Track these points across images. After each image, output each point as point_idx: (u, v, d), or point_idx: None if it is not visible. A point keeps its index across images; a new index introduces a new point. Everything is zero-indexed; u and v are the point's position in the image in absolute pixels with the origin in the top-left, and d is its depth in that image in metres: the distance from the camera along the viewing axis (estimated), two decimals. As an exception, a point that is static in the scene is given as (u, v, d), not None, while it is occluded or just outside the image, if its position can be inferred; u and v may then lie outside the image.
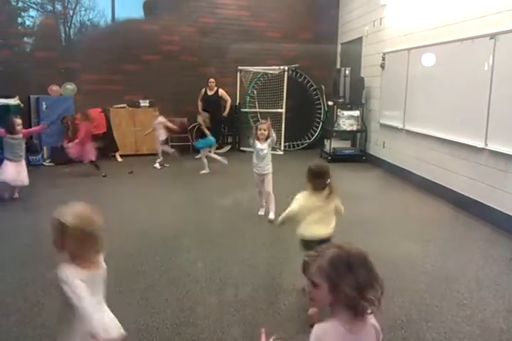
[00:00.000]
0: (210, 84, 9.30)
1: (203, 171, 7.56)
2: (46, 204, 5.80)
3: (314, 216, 3.15)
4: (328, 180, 3.24)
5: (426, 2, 6.72)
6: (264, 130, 5.08)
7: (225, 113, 9.57)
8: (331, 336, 1.49)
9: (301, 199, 3.22)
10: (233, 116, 10.08)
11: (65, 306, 1.89)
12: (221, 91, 9.37)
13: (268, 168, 5.16)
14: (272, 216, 5.00)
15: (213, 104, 9.28)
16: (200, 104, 9.37)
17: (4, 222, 5.10)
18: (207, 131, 7.68)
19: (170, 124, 8.40)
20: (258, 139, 5.12)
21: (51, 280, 3.50)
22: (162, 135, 8.36)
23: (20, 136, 5.99)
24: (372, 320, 1.59)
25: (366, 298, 1.47)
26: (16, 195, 5.99)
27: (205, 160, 7.58)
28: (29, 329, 2.86)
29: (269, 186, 5.17)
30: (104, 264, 2.09)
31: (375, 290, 1.49)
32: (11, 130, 5.91)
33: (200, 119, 7.89)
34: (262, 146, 5.11)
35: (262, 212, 5.30)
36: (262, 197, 5.35)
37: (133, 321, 2.96)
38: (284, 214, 3.28)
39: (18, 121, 6.02)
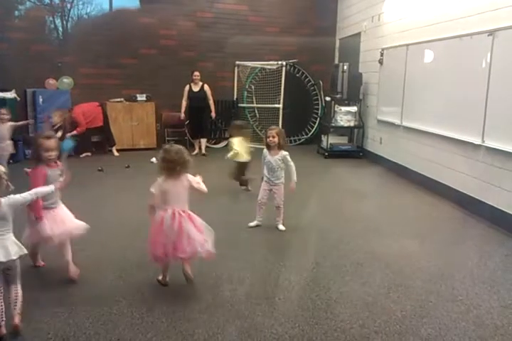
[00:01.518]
0: (194, 78, 8.76)
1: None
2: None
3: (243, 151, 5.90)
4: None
5: (425, -2, 6.70)
6: (273, 137, 4.46)
7: (213, 114, 9.01)
8: None
9: (237, 144, 5.94)
10: (230, 112, 10.06)
11: None
12: (207, 88, 8.83)
13: (280, 178, 4.61)
14: (281, 227, 4.65)
15: (200, 101, 8.77)
16: (184, 103, 8.87)
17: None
18: (66, 133, 7.58)
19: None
20: (268, 148, 4.57)
21: (45, 273, 3.52)
22: None
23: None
24: None
25: None
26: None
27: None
28: (24, 323, 2.85)
29: (279, 199, 4.64)
30: None
31: None
32: None
33: (56, 118, 7.74)
34: (272, 159, 4.53)
35: (253, 224, 4.74)
36: (261, 210, 4.73)
37: (128, 315, 2.96)
38: (231, 154, 5.89)
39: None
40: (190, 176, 3.26)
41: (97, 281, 3.46)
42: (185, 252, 3.16)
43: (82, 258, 3.86)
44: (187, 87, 8.84)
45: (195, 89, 8.83)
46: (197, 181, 3.28)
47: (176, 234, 3.14)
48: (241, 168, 5.98)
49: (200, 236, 3.21)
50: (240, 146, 5.93)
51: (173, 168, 3.17)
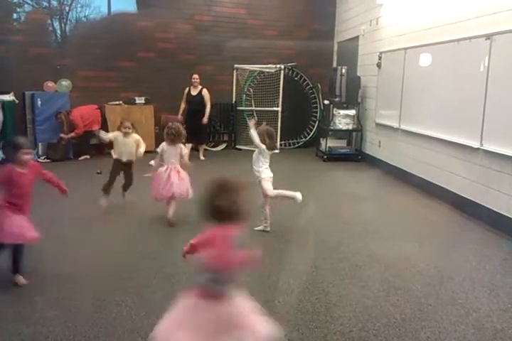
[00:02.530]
0: (193, 81, 8.62)
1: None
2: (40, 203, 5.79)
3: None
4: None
5: (423, 2, 6.72)
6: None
7: (205, 119, 8.68)
8: None
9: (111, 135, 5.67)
10: (229, 114, 10.07)
11: None
12: (205, 92, 8.68)
13: (258, 172, 4.71)
14: (260, 227, 4.67)
15: (197, 105, 8.63)
16: (183, 106, 8.77)
17: None
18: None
19: None
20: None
21: (44, 276, 3.51)
22: None
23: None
24: None
25: None
26: None
27: None
28: (23, 327, 2.85)
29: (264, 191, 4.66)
30: None
31: None
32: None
33: None
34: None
35: (259, 228, 4.68)
36: (264, 211, 4.69)
37: (128, 318, 2.96)
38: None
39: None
40: (182, 146, 4.96)
41: (96, 284, 3.45)
42: (170, 192, 4.74)
43: (80, 260, 3.86)
44: (186, 90, 8.77)
45: (194, 92, 8.73)
46: (185, 152, 5.02)
47: (165, 180, 4.75)
48: None
49: (181, 182, 4.80)
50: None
51: (172, 138, 4.83)
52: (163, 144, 4.88)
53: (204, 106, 8.72)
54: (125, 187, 5.58)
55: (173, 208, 4.84)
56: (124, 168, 5.44)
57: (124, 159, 5.37)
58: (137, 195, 5.50)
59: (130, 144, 5.33)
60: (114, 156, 5.44)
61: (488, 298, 3.36)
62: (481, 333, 2.88)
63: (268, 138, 4.66)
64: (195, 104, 8.66)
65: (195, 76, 8.66)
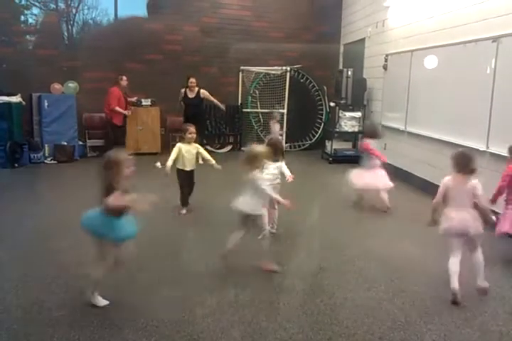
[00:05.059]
0: (190, 84, 8.49)
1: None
2: (49, 202, 5.83)
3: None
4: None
5: (429, 4, 6.71)
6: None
7: (222, 107, 9.07)
8: None
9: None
10: (234, 116, 10.09)
11: None
12: (203, 92, 8.58)
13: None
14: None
15: (195, 108, 8.54)
16: (181, 105, 8.67)
17: (5, 220, 5.10)
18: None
19: None
20: None
21: (52, 277, 3.52)
22: None
23: None
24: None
25: None
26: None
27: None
28: (30, 327, 2.86)
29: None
30: None
31: None
32: None
33: None
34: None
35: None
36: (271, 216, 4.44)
37: (132, 319, 2.96)
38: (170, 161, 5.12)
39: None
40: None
41: (101, 285, 3.46)
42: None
43: (86, 260, 3.87)
44: (182, 91, 8.61)
45: (191, 95, 8.61)
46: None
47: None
48: None
49: None
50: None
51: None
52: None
53: (201, 108, 8.79)
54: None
55: None
56: (188, 176, 5.35)
57: (188, 168, 5.29)
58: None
59: (192, 152, 5.25)
60: (178, 166, 5.28)
61: (494, 300, 3.34)
62: (486, 336, 2.87)
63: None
64: (193, 107, 8.55)
65: (192, 79, 8.53)
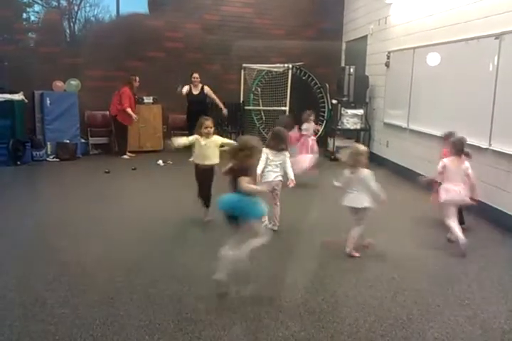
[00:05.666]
0: (193, 80, 8.49)
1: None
2: (49, 200, 5.84)
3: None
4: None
5: (431, 1, 6.69)
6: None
7: (225, 110, 9.02)
8: None
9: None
10: (237, 114, 10.07)
11: None
12: (207, 89, 8.65)
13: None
14: (268, 226, 4.56)
15: (199, 104, 8.53)
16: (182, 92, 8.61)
17: (7, 218, 5.11)
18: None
19: None
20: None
21: (54, 275, 3.53)
22: None
23: None
24: None
25: None
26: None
27: None
28: (32, 324, 2.87)
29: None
30: None
31: None
32: None
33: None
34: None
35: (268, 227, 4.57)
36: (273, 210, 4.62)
37: (135, 317, 2.97)
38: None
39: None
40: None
41: (103, 282, 3.47)
42: None
43: (88, 258, 3.88)
44: (186, 88, 8.66)
45: (195, 92, 8.66)
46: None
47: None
48: None
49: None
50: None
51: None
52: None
53: (206, 105, 8.74)
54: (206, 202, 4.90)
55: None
56: (205, 174, 4.80)
57: (206, 162, 4.76)
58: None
59: (210, 145, 4.74)
60: (195, 162, 4.88)
61: (496, 298, 3.34)
62: (488, 334, 2.87)
63: (272, 140, 4.71)
64: (198, 104, 8.57)
65: (195, 75, 8.56)
